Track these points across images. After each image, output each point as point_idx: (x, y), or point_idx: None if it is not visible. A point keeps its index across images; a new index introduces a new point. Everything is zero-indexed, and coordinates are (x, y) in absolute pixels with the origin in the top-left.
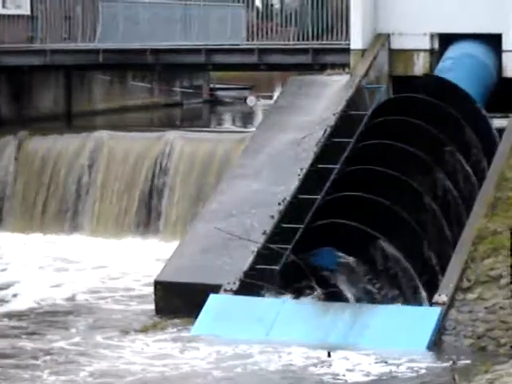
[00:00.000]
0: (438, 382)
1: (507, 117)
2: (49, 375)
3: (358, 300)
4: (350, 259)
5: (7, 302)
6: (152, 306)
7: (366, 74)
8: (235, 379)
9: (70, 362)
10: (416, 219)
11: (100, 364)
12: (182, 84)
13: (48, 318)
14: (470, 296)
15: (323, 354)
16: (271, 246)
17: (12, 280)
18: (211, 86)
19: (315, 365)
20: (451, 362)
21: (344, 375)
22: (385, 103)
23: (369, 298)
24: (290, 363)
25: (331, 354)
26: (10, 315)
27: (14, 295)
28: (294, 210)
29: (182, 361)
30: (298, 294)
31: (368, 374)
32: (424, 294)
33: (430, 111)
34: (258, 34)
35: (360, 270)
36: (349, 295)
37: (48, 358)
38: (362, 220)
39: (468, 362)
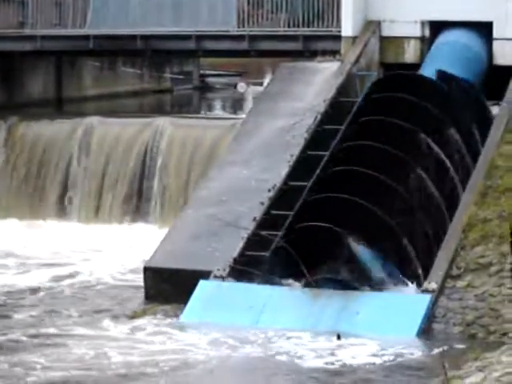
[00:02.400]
0: (428, 370)
1: (498, 104)
2: (38, 358)
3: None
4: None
5: None
6: (142, 292)
7: (357, 61)
8: (224, 366)
9: (59, 347)
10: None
11: (88, 349)
12: (172, 70)
13: (39, 304)
14: (460, 283)
15: (313, 341)
16: (261, 232)
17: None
18: (201, 72)
19: (304, 352)
20: (441, 349)
21: (332, 362)
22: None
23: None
24: (279, 350)
25: (340, 337)
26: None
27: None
28: (283, 196)
29: (170, 347)
30: (287, 280)
31: (357, 361)
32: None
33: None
34: (248, 21)
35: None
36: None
37: (37, 341)
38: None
39: (458, 349)
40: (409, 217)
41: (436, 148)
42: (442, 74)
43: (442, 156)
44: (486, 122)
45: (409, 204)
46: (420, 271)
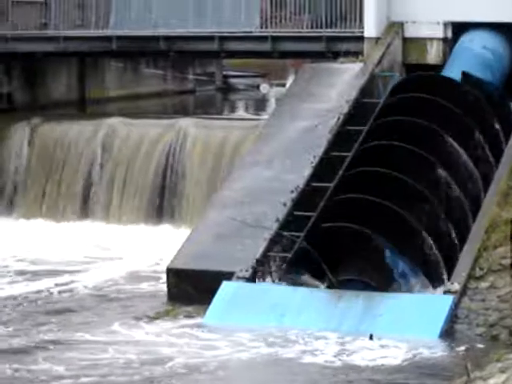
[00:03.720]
0: (450, 371)
1: None
2: (59, 362)
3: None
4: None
5: (16, 287)
6: (165, 294)
7: (380, 62)
8: (248, 367)
9: (81, 349)
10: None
11: (111, 351)
12: (195, 71)
13: (61, 305)
14: (483, 284)
15: (336, 342)
16: (284, 233)
17: (23, 266)
18: (224, 73)
19: (328, 353)
20: (463, 350)
21: (356, 363)
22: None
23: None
24: (303, 351)
25: (373, 337)
26: (20, 298)
27: (23, 280)
28: (306, 197)
29: (193, 349)
30: (310, 281)
31: (380, 362)
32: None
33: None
34: (271, 22)
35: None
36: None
37: (61, 344)
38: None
39: (480, 350)
40: (433, 218)
41: (460, 149)
42: (466, 76)
43: (466, 157)
44: (509, 124)
45: (433, 205)
46: (444, 273)
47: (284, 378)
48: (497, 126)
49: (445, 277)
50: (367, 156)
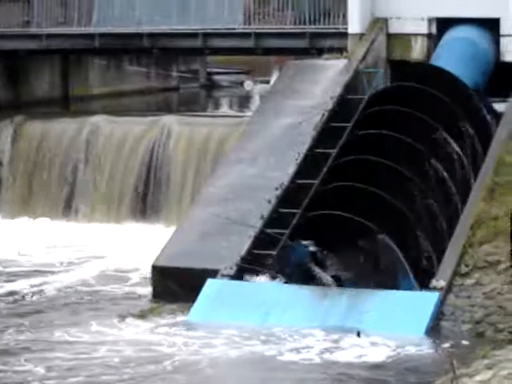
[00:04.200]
0: (436, 368)
1: (505, 101)
2: (42, 361)
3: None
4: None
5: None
6: (149, 291)
7: (364, 58)
8: (233, 364)
9: (66, 347)
10: (410, 208)
11: (96, 349)
12: (178, 68)
13: (46, 303)
14: (468, 281)
15: (321, 339)
16: (268, 230)
17: (7, 264)
18: (208, 70)
19: (313, 350)
20: (449, 347)
21: (341, 360)
22: (379, 92)
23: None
24: (288, 348)
25: (360, 334)
26: (6, 298)
27: (11, 280)
28: (291, 194)
29: (178, 346)
30: (295, 278)
31: (366, 359)
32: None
33: (423, 99)
34: (254, 18)
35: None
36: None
37: (44, 342)
38: (356, 210)
39: (466, 347)
40: (423, 208)
41: (449, 138)
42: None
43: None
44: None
45: (424, 193)
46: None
47: (268, 376)
48: (470, 130)
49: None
50: (357, 144)
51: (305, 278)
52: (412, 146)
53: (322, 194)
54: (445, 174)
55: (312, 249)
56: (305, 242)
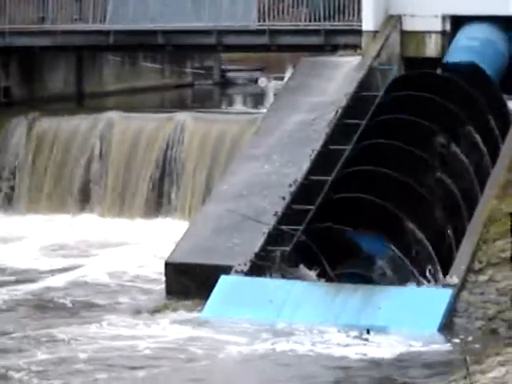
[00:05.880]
0: (449, 364)
1: None
2: (63, 351)
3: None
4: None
5: (21, 281)
6: (163, 288)
7: (378, 55)
8: (246, 361)
9: (80, 341)
10: (430, 194)
11: (110, 344)
12: (193, 65)
13: (60, 299)
14: (482, 278)
15: (334, 336)
16: (282, 227)
17: (24, 261)
18: (222, 67)
19: (327, 346)
20: (462, 344)
21: (354, 356)
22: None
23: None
24: (301, 345)
25: (370, 331)
26: (24, 294)
27: (24, 277)
28: (305, 191)
29: (191, 342)
30: (309, 275)
31: (379, 356)
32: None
33: (445, 88)
34: (269, 15)
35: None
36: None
37: (62, 334)
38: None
39: (479, 344)
40: (429, 217)
41: (454, 146)
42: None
43: (461, 155)
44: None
45: (429, 204)
46: (439, 270)
47: (281, 372)
48: (493, 124)
49: (439, 273)
50: (364, 154)
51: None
52: (432, 132)
53: (330, 203)
54: (467, 162)
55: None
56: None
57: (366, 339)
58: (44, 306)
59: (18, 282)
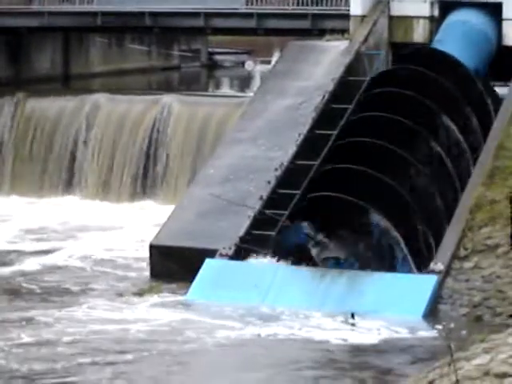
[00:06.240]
0: (434, 351)
1: (507, 85)
2: (46, 334)
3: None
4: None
5: (7, 263)
6: (147, 270)
7: (366, 40)
8: (231, 345)
9: (64, 324)
10: (408, 190)
11: (93, 326)
12: (180, 48)
13: (46, 281)
14: (467, 265)
15: (319, 321)
16: (267, 211)
17: (13, 241)
18: (209, 50)
19: (310, 331)
20: (447, 330)
21: (338, 342)
22: (382, 74)
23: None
24: (286, 329)
25: (354, 316)
26: (12, 276)
27: (6, 258)
28: (291, 175)
29: (175, 325)
30: (293, 259)
31: (363, 342)
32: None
33: (424, 83)
34: None
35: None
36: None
37: (45, 317)
38: (355, 192)
39: (464, 331)
40: (422, 192)
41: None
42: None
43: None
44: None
45: (422, 177)
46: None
47: (264, 356)
48: (471, 115)
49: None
50: (357, 127)
51: (303, 258)
52: (411, 129)
53: (321, 176)
54: (444, 157)
55: (311, 230)
56: (304, 223)
57: (353, 324)
58: (25, 290)
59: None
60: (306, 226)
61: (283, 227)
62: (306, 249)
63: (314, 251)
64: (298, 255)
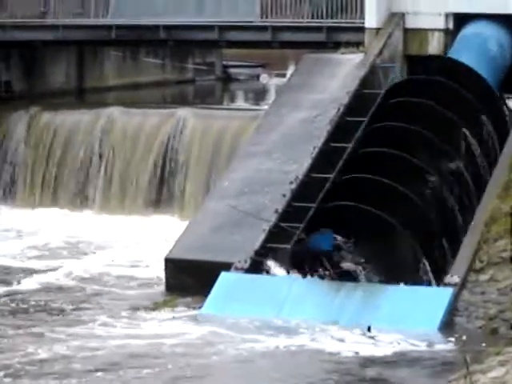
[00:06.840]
0: (449, 364)
1: None
2: (60, 349)
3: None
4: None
5: (16, 279)
6: (162, 284)
7: (380, 52)
8: (246, 358)
9: (80, 339)
10: (427, 201)
11: (110, 341)
12: (194, 61)
13: (59, 295)
14: (482, 277)
15: (335, 334)
16: (282, 224)
17: (24, 255)
18: (224, 63)
19: (326, 344)
20: (462, 343)
21: (355, 355)
22: (399, 84)
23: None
24: (300, 343)
25: (371, 329)
26: (18, 292)
27: (25, 271)
28: (306, 188)
29: (191, 339)
30: (309, 273)
31: (378, 354)
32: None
33: (444, 93)
34: (271, 11)
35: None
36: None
37: (60, 332)
38: (372, 203)
39: (479, 343)
40: (440, 203)
41: (467, 133)
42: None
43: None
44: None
45: (439, 190)
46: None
47: (280, 370)
48: (490, 127)
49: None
50: (373, 138)
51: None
52: (429, 140)
53: (336, 188)
54: (463, 169)
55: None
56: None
57: (372, 337)
58: (40, 305)
59: (12, 279)
60: (332, 235)
61: (305, 237)
62: (330, 257)
63: (339, 260)
64: (316, 265)
